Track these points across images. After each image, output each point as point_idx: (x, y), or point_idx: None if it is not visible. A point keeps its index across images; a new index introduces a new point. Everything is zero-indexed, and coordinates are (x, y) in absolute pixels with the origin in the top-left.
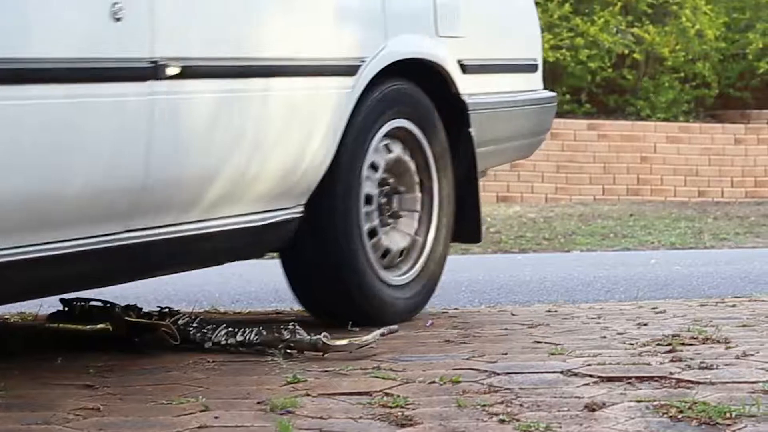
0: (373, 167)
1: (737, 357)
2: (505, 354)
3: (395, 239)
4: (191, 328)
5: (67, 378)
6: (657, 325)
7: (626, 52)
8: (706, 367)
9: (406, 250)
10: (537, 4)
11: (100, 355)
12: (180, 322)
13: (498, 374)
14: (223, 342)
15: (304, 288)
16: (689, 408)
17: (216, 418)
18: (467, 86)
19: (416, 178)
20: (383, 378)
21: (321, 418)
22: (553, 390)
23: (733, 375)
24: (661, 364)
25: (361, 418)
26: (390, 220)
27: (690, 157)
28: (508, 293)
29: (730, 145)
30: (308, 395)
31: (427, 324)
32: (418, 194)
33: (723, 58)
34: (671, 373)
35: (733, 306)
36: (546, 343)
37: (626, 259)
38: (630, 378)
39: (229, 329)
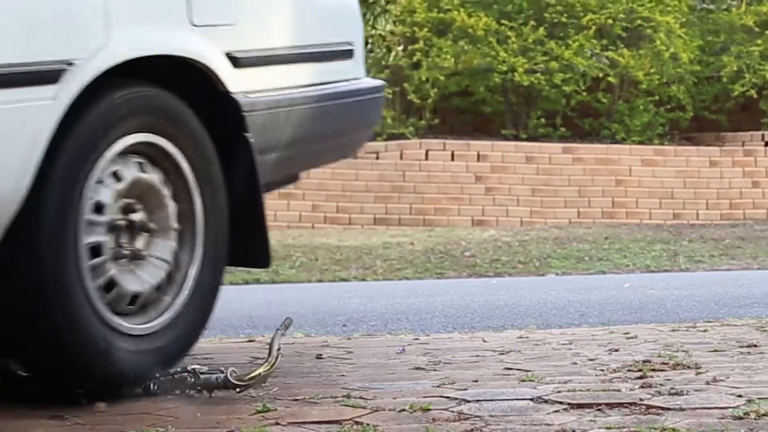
0: (103, 195)
1: (707, 383)
2: (476, 381)
3: (138, 279)
4: None
5: (36, 408)
6: (628, 350)
7: (601, 75)
8: (676, 393)
9: (157, 289)
10: (511, 28)
11: None
12: None
13: (468, 401)
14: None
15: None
16: None
17: None
18: (242, 83)
19: (170, 203)
20: (353, 406)
21: None
22: (524, 417)
23: (703, 401)
24: (631, 390)
25: None
26: (132, 257)
27: (665, 180)
28: (482, 318)
29: (705, 167)
30: (278, 424)
31: (398, 351)
32: (174, 221)
33: (697, 81)
34: (641, 400)
35: (705, 331)
36: (517, 369)
37: (601, 283)
38: (600, 404)
39: None
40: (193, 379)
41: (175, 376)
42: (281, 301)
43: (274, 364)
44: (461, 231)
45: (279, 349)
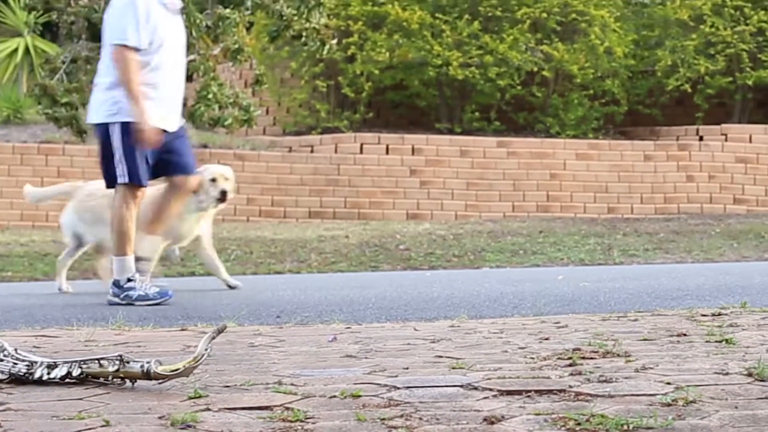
0: None
1: (636, 370)
2: (407, 368)
3: None
4: (7, 362)
5: None
6: (558, 339)
7: (535, 69)
8: (605, 380)
9: None
10: (446, 22)
11: None
12: None
13: (398, 388)
14: (45, 377)
15: None
16: (587, 420)
17: None
18: None
19: None
20: (284, 392)
21: None
22: (453, 403)
23: (632, 388)
24: (560, 377)
25: None
26: None
27: (599, 174)
28: (416, 309)
29: (640, 161)
30: (209, 410)
31: (329, 339)
32: None
33: (632, 75)
34: (570, 386)
35: (635, 320)
36: (447, 357)
37: (534, 276)
38: (529, 391)
39: (49, 363)
40: (116, 367)
41: (101, 362)
42: (215, 293)
43: (199, 360)
44: (396, 224)
45: (207, 349)
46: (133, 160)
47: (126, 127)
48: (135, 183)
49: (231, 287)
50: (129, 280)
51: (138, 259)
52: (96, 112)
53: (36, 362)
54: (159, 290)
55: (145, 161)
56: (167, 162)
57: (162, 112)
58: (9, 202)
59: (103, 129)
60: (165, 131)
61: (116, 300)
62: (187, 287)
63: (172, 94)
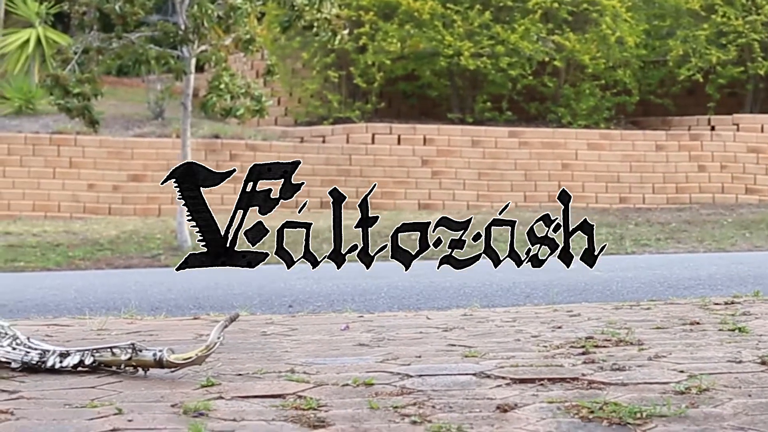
0: None
1: (650, 359)
2: (419, 357)
3: None
4: (20, 350)
5: None
6: (571, 327)
7: (547, 59)
8: (618, 369)
9: None
10: (457, 12)
11: None
12: (4, 343)
13: (411, 376)
14: (57, 366)
15: None
16: (600, 408)
17: (129, 421)
18: None
19: None
20: (297, 381)
21: (234, 420)
22: (466, 391)
23: (645, 376)
24: (573, 365)
25: (274, 420)
26: None
27: (611, 164)
28: (428, 299)
29: (652, 151)
30: (222, 398)
31: (342, 328)
32: None
33: (643, 64)
34: (583, 375)
35: (648, 309)
36: (460, 345)
37: (546, 265)
38: (542, 379)
39: (62, 351)
40: (128, 356)
41: (114, 350)
42: (227, 282)
43: (211, 348)
44: (408, 214)
45: (219, 338)
46: None
47: None
48: None
49: None
50: None
51: None
52: None
53: (48, 351)
54: None
55: None
56: None
57: None
58: (21, 192)
59: None
60: None
61: None
62: (198, 277)
63: None
